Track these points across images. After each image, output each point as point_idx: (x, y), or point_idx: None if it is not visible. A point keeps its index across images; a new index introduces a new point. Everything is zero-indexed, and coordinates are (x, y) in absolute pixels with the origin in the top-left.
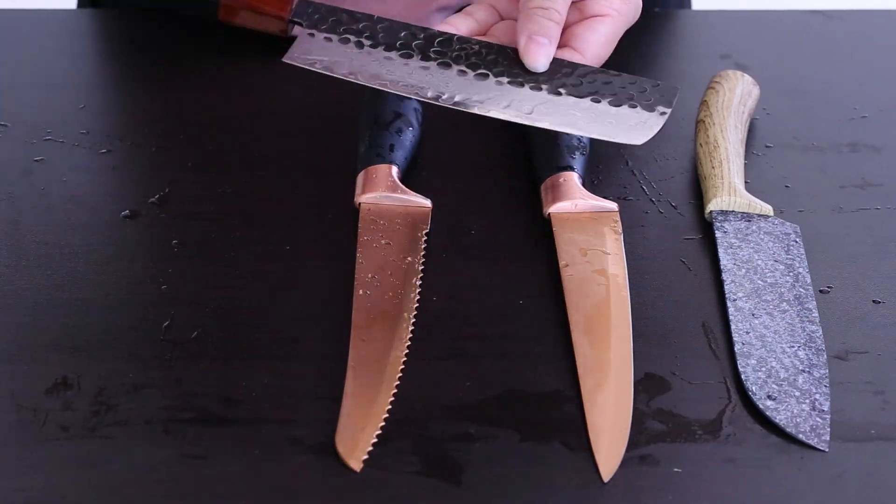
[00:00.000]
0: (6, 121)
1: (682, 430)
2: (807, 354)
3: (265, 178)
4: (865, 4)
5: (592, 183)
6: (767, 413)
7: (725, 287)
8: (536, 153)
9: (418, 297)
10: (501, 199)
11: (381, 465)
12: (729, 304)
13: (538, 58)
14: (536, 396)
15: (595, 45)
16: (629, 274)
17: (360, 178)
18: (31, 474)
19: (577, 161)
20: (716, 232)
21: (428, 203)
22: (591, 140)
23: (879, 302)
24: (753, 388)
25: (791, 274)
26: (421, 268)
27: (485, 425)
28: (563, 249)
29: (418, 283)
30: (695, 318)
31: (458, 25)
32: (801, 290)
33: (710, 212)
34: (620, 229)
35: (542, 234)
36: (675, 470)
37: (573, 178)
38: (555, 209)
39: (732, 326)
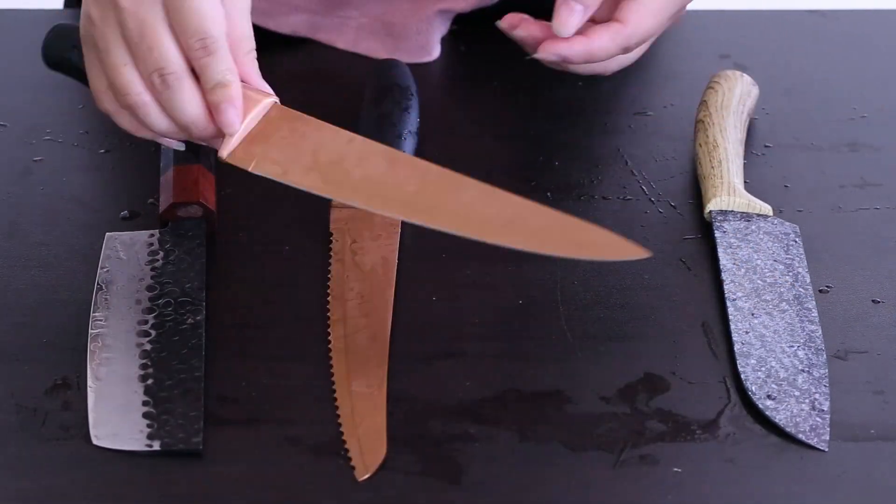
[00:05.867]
0: (5, 120)
1: (682, 429)
2: (806, 354)
3: (264, 178)
4: (865, 4)
5: (591, 183)
6: (767, 413)
7: (725, 287)
8: None
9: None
10: None
11: (381, 465)
12: (728, 303)
13: (566, 23)
14: (536, 396)
15: (637, 14)
16: (629, 274)
17: None
18: (31, 474)
19: None
20: (715, 232)
21: None
22: (590, 140)
23: (879, 302)
24: (753, 388)
25: (790, 274)
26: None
27: (485, 425)
28: None
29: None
30: (694, 318)
31: None
32: (800, 289)
33: (710, 212)
34: None
35: None
36: (675, 470)
37: None
38: None
39: (732, 326)
